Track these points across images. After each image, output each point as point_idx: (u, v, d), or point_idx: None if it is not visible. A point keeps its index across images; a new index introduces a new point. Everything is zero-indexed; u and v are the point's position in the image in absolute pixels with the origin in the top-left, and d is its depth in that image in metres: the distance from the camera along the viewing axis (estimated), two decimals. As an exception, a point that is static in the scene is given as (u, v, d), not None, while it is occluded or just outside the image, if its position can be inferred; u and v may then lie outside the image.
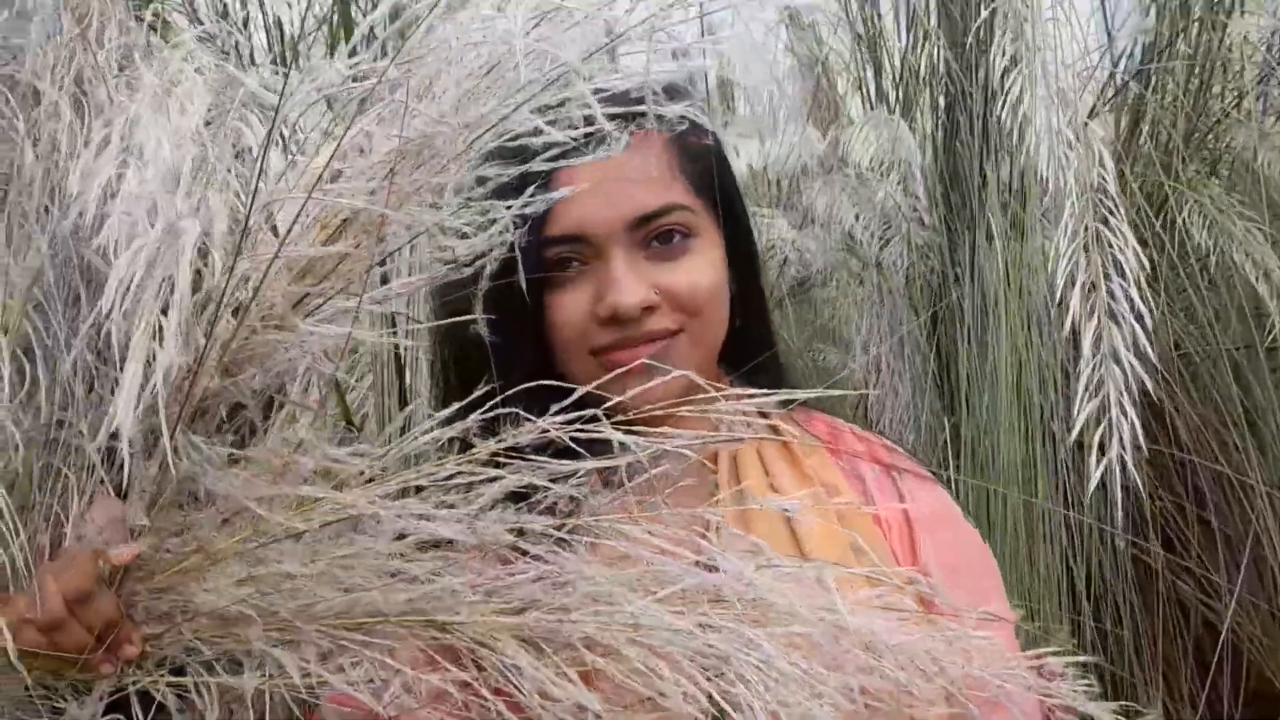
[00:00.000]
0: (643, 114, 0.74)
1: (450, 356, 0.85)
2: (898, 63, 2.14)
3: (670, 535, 0.71)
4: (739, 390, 0.83)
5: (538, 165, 0.71)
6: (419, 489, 0.72)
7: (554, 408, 0.71)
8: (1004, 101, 1.39)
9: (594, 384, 0.76)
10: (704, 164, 0.88)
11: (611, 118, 0.72)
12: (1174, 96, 2.07)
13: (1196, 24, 2.05)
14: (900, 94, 2.12)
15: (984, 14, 1.71)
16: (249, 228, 0.66)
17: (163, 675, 0.73)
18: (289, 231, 0.66)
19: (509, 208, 0.69)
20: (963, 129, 1.87)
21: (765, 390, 0.82)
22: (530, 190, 0.72)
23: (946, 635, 0.71)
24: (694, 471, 0.85)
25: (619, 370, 0.81)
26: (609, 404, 0.74)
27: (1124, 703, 0.67)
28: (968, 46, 1.81)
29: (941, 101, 1.93)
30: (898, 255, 1.92)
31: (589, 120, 0.68)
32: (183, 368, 0.67)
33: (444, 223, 0.68)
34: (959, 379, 1.65)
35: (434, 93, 0.65)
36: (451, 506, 0.71)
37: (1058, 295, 1.16)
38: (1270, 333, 1.70)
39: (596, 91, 0.68)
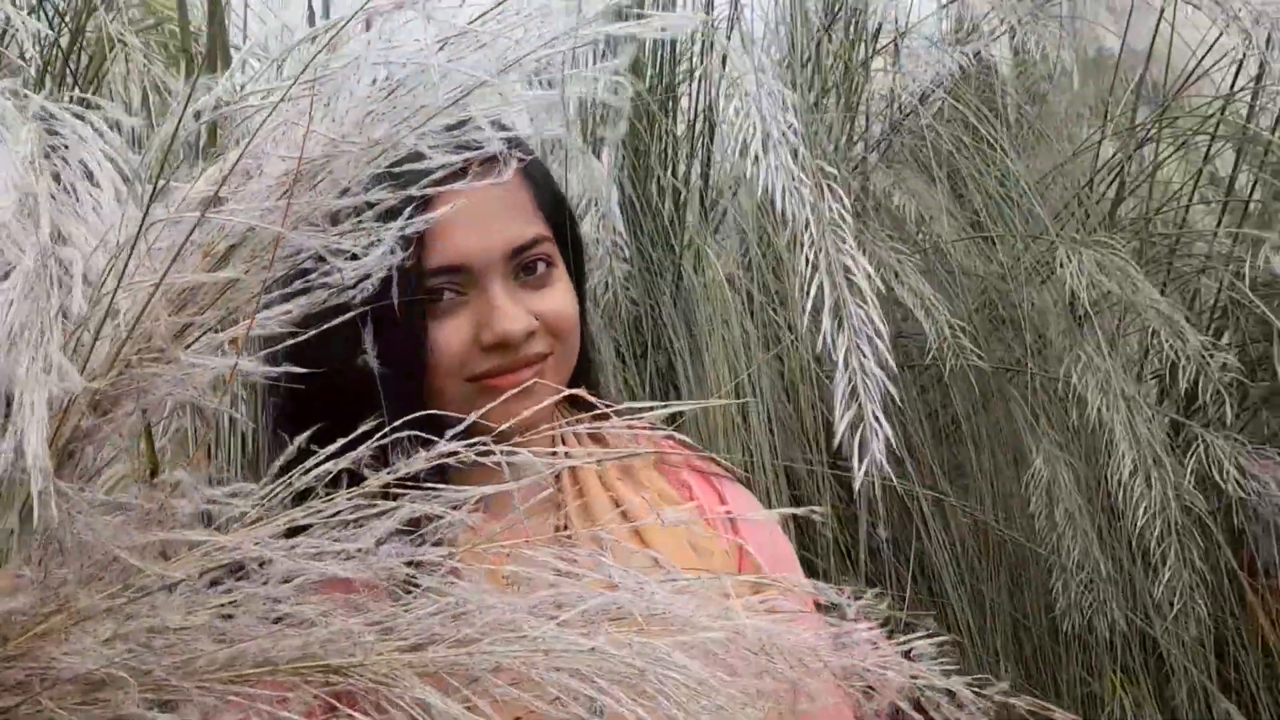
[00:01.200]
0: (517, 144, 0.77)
1: (314, 390, 0.82)
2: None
3: (569, 556, 0.73)
4: (631, 405, 0.87)
5: (424, 189, 0.71)
6: (302, 529, 0.69)
7: (449, 433, 0.71)
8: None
9: (480, 411, 0.76)
10: (551, 195, 0.92)
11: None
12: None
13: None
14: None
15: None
16: (131, 253, 0.62)
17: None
18: (174, 258, 0.63)
19: (400, 229, 0.68)
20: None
21: (650, 405, 0.86)
22: (407, 213, 0.71)
23: (822, 632, 0.77)
24: (536, 489, 0.88)
25: (508, 393, 0.83)
26: (501, 429, 0.75)
27: (978, 676, 0.76)
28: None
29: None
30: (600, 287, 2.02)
31: (475, 146, 0.69)
32: (53, 404, 0.61)
33: (332, 245, 0.66)
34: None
35: (334, 113, 0.64)
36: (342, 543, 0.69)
37: (804, 320, 1.28)
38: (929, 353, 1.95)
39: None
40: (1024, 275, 2.17)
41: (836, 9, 2.25)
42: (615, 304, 2.05)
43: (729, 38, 1.87)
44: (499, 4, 0.63)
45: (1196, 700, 1.77)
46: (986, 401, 2.07)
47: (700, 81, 2.02)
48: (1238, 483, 1.69)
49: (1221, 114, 2.04)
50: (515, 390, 0.86)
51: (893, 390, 1.23)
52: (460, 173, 0.72)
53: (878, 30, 2.40)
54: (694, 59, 2.12)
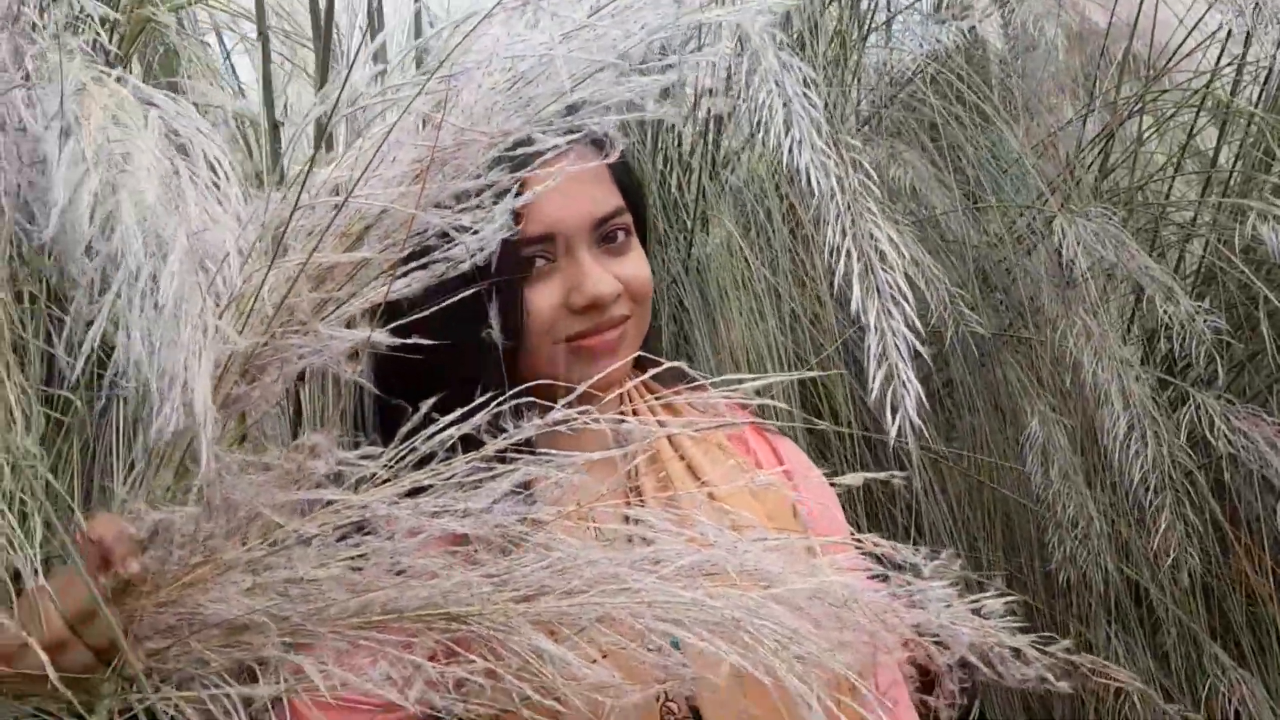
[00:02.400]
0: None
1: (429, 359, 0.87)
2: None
3: (670, 517, 0.79)
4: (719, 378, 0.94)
5: (537, 170, 0.77)
6: (423, 489, 0.75)
7: (561, 401, 0.78)
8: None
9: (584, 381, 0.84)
10: (625, 170, 0.99)
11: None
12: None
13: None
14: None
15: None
16: (284, 236, 0.68)
17: (172, 690, 0.71)
18: (320, 239, 0.69)
19: (512, 206, 0.75)
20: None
21: (749, 376, 0.93)
22: (514, 190, 0.78)
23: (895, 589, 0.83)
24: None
25: (598, 352, 0.94)
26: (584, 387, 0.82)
27: (1041, 634, 0.82)
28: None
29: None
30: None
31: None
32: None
33: (454, 223, 0.73)
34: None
35: (462, 104, 0.70)
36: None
37: (836, 283, 1.35)
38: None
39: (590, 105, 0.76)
40: (1015, 244, 2.26)
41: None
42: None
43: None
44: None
45: (1186, 644, 1.86)
46: (984, 365, 2.16)
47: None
48: (1227, 438, 1.78)
49: (1206, 89, 2.12)
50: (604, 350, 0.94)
51: (921, 350, 1.31)
52: (565, 153, 0.79)
53: (874, 6, 2.47)
54: (701, 33, 2.18)
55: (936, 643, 0.82)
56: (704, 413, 1.05)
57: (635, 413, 1.02)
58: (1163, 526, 1.76)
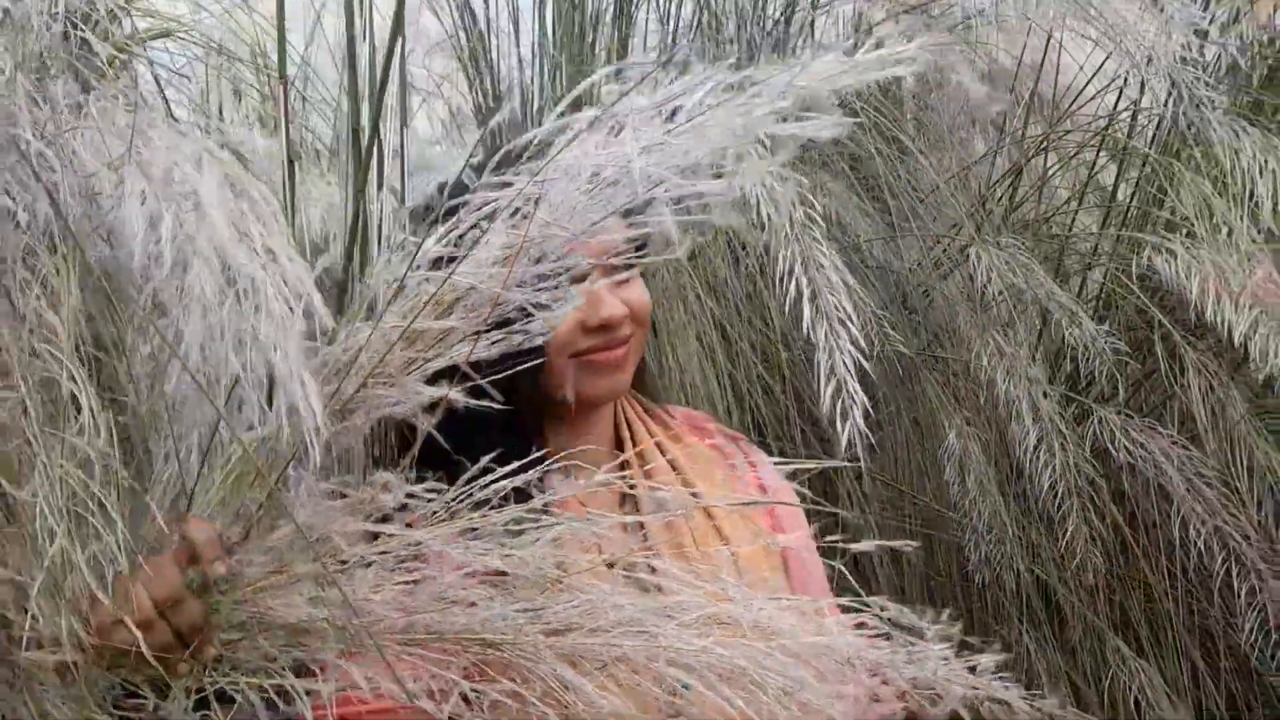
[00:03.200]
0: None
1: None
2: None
3: (694, 571, 0.90)
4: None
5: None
6: (473, 529, 0.86)
7: (605, 468, 0.93)
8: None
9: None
10: (629, 211, 1.11)
11: None
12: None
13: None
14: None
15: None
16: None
17: (240, 677, 0.81)
18: (421, 309, 0.80)
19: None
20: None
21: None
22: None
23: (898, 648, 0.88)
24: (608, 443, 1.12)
25: (603, 366, 1.08)
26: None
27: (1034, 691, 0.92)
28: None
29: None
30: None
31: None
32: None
33: (532, 300, 0.85)
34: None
35: (549, 200, 0.83)
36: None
37: (787, 306, 1.49)
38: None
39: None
40: (933, 270, 2.43)
41: (769, 29, 2.47)
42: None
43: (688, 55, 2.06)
44: (688, 121, 0.82)
45: (1091, 639, 2.03)
46: (905, 383, 2.31)
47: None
48: (1127, 450, 1.96)
49: (1106, 131, 2.31)
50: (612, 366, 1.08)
51: (866, 366, 1.45)
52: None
53: (798, 46, 2.63)
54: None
55: (930, 696, 0.88)
56: (683, 420, 1.18)
57: (628, 420, 1.15)
58: (1069, 530, 1.92)
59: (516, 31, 2.58)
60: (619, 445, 1.16)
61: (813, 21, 2.69)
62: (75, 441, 0.81)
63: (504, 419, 0.94)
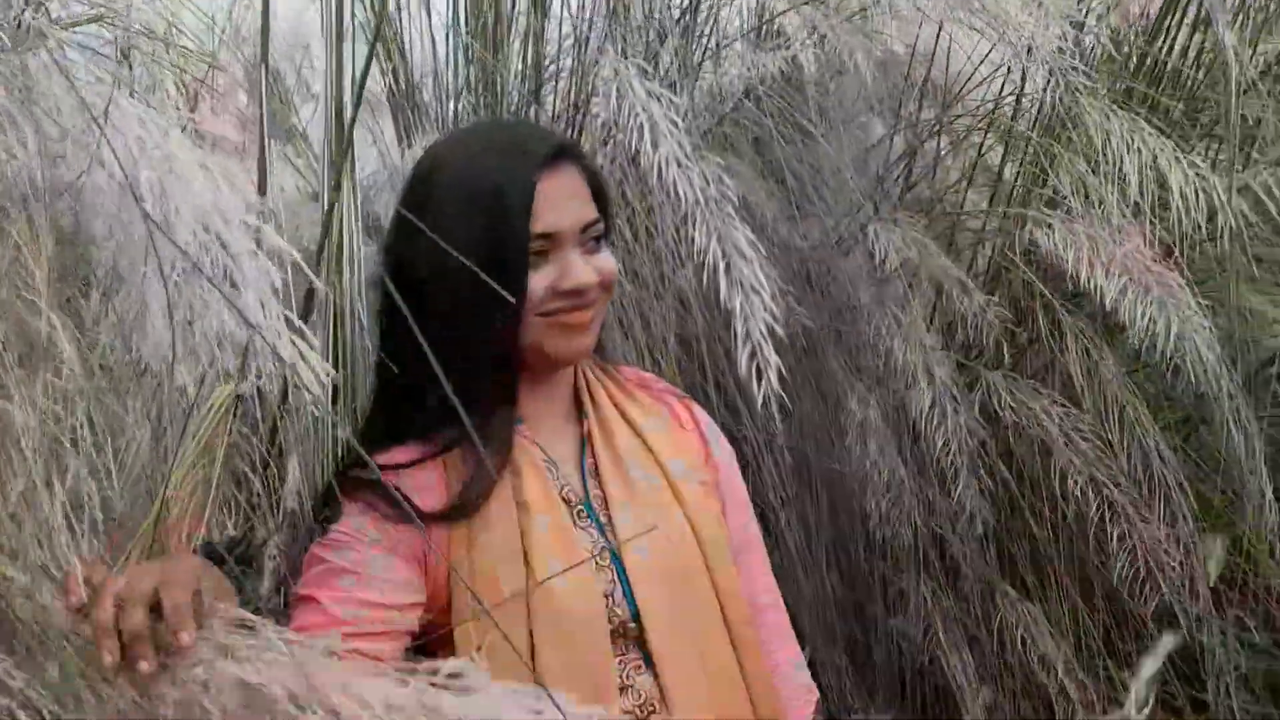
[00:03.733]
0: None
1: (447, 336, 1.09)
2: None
3: None
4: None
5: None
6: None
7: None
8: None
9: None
10: (600, 188, 1.26)
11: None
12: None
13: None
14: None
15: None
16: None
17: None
18: None
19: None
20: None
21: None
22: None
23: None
24: (567, 403, 1.26)
25: (573, 328, 1.20)
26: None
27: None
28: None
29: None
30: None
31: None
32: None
33: None
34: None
35: None
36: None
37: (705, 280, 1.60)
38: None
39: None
40: (834, 247, 2.57)
41: (677, 18, 2.58)
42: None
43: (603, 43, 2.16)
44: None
45: (981, 585, 2.20)
46: (809, 355, 2.45)
47: (572, 78, 2.31)
48: (1012, 410, 2.12)
49: (993, 115, 2.48)
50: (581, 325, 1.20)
51: (779, 331, 1.57)
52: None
53: (706, 34, 2.75)
54: (559, 59, 2.40)
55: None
56: (633, 379, 1.31)
57: (587, 380, 1.28)
58: (960, 486, 2.08)
59: (429, 15, 2.65)
60: (578, 403, 1.28)
61: (718, 10, 2.81)
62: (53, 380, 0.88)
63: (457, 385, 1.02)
